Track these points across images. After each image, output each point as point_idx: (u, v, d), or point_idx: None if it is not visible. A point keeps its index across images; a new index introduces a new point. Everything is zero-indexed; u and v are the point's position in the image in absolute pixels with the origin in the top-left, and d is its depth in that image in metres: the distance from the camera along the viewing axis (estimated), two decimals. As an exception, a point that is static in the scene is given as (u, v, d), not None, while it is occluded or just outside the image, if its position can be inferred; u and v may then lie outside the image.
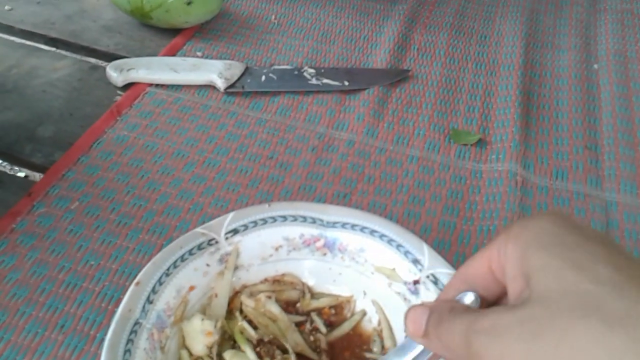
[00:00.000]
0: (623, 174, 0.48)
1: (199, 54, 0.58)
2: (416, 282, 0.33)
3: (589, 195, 0.47)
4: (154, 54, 0.57)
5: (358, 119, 0.52)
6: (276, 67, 0.57)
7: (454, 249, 0.43)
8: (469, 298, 0.24)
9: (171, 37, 0.59)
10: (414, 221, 0.45)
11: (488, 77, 0.57)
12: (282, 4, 0.65)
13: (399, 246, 0.34)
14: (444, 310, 0.23)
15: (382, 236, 0.35)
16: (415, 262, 0.33)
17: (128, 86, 0.54)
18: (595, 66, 0.59)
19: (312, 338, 0.34)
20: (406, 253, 0.34)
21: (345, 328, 0.35)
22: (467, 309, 0.24)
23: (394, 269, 0.34)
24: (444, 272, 0.33)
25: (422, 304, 0.25)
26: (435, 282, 0.32)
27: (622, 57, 0.59)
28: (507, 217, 0.44)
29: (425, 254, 0.33)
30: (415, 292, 0.33)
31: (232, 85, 0.54)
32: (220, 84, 0.53)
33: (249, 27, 0.62)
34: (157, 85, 0.54)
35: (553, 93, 0.56)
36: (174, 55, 0.57)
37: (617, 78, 0.57)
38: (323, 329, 0.34)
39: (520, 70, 0.57)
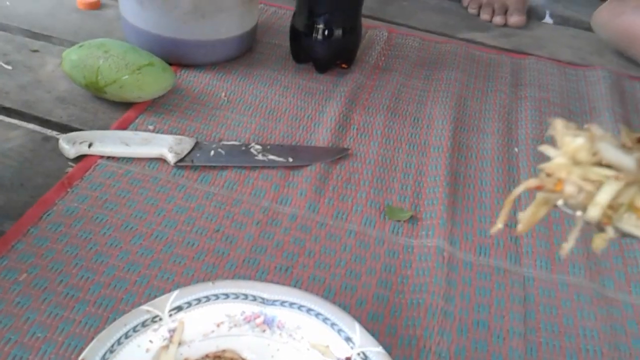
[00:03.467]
0: (539, 250, 0.53)
1: (150, 127, 0.61)
2: (348, 359, 0.36)
3: (508, 270, 0.51)
4: (107, 126, 0.60)
5: (301, 194, 0.56)
6: (225, 142, 0.60)
7: (387, 321, 0.46)
8: None
9: (124, 110, 0.62)
10: (350, 294, 0.48)
11: (420, 157, 0.62)
12: (232, 82, 0.69)
13: (333, 324, 0.37)
14: None
15: (317, 314, 0.38)
16: (348, 339, 0.37)
17: (80, 158, 0.56)
18: (516, 149, 0.65)
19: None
20: (339, 331, 0.37)
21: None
22: None
23: (328, 346, 0.37)
24: (373, 350, 0.36)
25: None
26: (365, 359, 0.36)
27: (539, 141, 0.66)
28: (434, 292, 0.48)
29: (357, 332, 0.37)
30: (347, 368, 0.36)
31: (182, 159, 0.57)
32: (171, 158, 0.56)
33: (199, 103, 0.65)
34: (108, 158, 0.56)
35: (477, 174, 0.61)
36: (126, 128, 0.60)
37: (534, 162, 0.63)
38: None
39: (449, 152, 0.63)
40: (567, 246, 0.23)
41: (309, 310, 0.38)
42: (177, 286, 0.45)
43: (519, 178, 0.61)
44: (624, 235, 0.23)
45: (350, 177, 0.59)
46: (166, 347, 0.37)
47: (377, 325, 0.45)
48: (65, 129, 0.59)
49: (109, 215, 0.51)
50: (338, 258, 0.51)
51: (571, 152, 0.22)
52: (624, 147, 0.24)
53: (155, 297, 0.39)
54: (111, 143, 0.56)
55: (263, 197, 0.55)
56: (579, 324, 0.48)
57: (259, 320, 0.39)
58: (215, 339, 0.38)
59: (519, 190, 0.24)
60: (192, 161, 0.57)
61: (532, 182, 0.23)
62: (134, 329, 0.36)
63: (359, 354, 0.36)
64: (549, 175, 0.23)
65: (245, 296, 0.39)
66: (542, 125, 0.69)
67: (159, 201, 0.53)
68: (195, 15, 0.66)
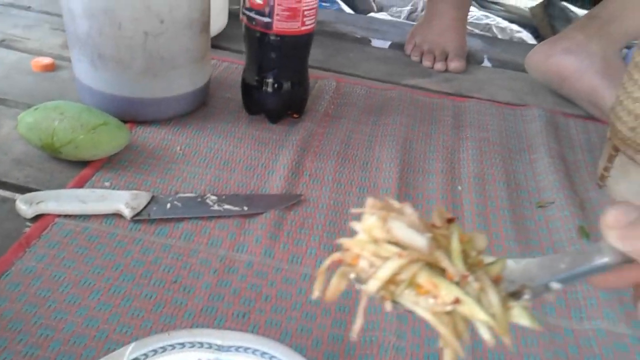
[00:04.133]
0: (484, 283, 0.56)
1: (107, 184, 0.62)
2: (300, 398, 0.38)
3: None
4: (63, 185, 0.61)
5: (256, 241, 0.58)
6: (181, 194, 0.62)
7: (342, 360, 0.48)
8: None
9: (80, 168, 0.64)
10: (306, 336, 0.50)
11: (370, 200, 0.65)
12: (187, 135, 0.72)
13: (286, 365, 0.39)
14: None
15: (271, 357, 0.40)
16: (300, 379, 0.38)
17: (38, 217, 0.57)
18: (459, 188, 0.69)
19: None
20: (292, 371, 0.39)
21: None
22: None
23: (281, 387, 0.39)
24: (323, 386, 0.38)
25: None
26: (316, 396, 0.37)
27: (481, 179, 0.70)
28: (385, 328, 0.50)
29: (308, 371, 0.38)
30: (300, 407, 0.38)
31: (138, 214, 0.58)
32: (127, 213, 0.58)
33: (155, 158, 0.67)
34: (66, 216, 0.57)
35: (424, 213, 0.64)
36: (82, 186, 0.61)
37: (476, 198, 0.67)
38: None
39: (396, 192, 0.66)
40: (356, 327, 0.25)
41: (263, 353, 0.40)
42: (136, 339, 0.46)
43: (463, 215, 0.65)
44: (407, 310, 0.24)
45: (304, 222, 0.61)
46: (124, 398, 0.38)
47: (332, 365, 0.47)
48: (22, 190, 0.60)
49: (67, 273, 0.52)
50: (294, 301, 0.53)
51: (367, 230, 0.25)
52: (433, 227, 0.26)
53: (115, 350, 0.41)
54: (68, 201, 0.58)
55: (220, 246, 0.57)
56: (523, 351, 0.50)
57: (215, 367, 0.40)
58: (172, 387, 0.39)
59: (326, 263, 0.26)
60: (149, 215, 0.59)
61: (336, 256, 0.25)
62: (92, 383, 0.37)
63: (311, 393, 0.38)
64: (347, 250, 0.25)
65: (201, 344, 0.40)
66: (482, 163, 0.73)
67: (116, 256, 0.54)
68: (148, 74, 0.69)
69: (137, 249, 0.55)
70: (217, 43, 0.95)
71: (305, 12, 0.70)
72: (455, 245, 0.25)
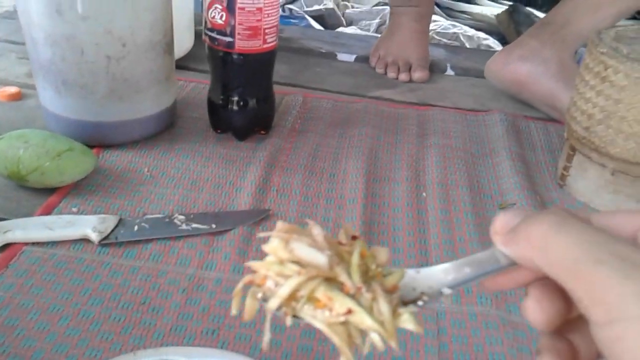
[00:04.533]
0: (450, 286, 0.58)
1: (74, 209, 0.63)
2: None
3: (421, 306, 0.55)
4: (31, 213, 0.62)
5: (225, 258, 0.59)
6: (148, 216, 0.63)
7: (311, 370, 0.49)
8: None
9: (47, 195, 0.64)
10: (275, 348, 0.50)
11: (337, 211, 0.67)
12: (155, 157, 0.73)
13: (250, 378, 0.40)
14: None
15: (236, 370, 0.40)
16: (264, 390, 0.39)
17: (5, 247, 0.57)
18: (424, 194, 0.70)
19: None
20: (256, 383, 0.39)
21: None
22: None
23: (246, 400, 0.39)
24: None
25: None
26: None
27: (445, 185, 0.72)
28: (353, 336, 0.51)
29: (271, 382, 0.39)
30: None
31: (106, 237, 0.59)
32: (94, 238, 0.58)
33: (122, 181, 0.68)
34: (33, 244, 0.58)
35: (390, 220, 0.66)
36: (50, 213, 0.62)
37: (440, 204, 0.68)
38: None
39: (363, 202, 0.67)
40: (266, 339, 0.28)
41: (228, 367, 0.41)
42: (105, 361, 0.46)
43: (428, 220, 0.66)
44: (307, 324, 0.27)
45: (272, 236, 0.62)
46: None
47: (301, 375, 0.48)
48: (-11, 220, 0.60)
49: (35, 300, 0.52)
50: (263, 315, 0.53)
51: (272, 251, 0.27)
52: (339, 244, 0.28)
53: (81, 373, 0.41)
54: (35, 229, 0.58)
55: (188, 265, 0.58)
56: (488, 350, 0.51)
57: (181, 384, 0.41)
58: (139, 406, 0.40)
59: (240, 285, 0.28)
60: (117, 238, 0.59)
61: (247, 278, 0.27)
62: (58, 407, 0.37)
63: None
64: (254, 271, 0.27)
65: (167, 362, 0.41)
66: (446, 169, 0.75)
67: (84, 281, 0.54)
68: (112, 98, 0.69)
69: (105, 273, 0.56)
70: (184, 64, 0.96)
71: (267, 30, 0.71)
72: (355, 260, 0.26)
